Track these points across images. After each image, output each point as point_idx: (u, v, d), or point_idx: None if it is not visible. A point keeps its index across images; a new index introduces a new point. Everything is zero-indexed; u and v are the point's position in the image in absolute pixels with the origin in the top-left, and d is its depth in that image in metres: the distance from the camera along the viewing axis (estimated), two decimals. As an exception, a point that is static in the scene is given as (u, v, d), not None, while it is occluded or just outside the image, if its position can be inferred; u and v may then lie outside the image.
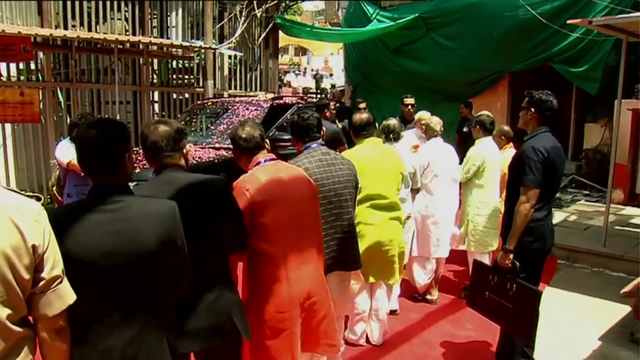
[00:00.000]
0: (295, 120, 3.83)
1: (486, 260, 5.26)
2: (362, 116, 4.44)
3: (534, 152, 3.66)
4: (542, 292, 3.74)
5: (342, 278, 3.80)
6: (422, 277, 5.52)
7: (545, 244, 3.88)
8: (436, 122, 5.50)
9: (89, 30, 10.01)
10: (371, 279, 4.36)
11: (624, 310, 5.19)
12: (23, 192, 1.86)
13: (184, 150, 2.64)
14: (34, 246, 1.75)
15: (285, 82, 24.24)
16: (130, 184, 2.20)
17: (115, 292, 2.00)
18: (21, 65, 9.17)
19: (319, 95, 19.99)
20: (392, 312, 5.12)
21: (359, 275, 4.15)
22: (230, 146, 3.33)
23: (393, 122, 5.34)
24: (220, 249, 2.66)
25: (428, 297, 5.59)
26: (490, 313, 4.01)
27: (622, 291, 4.91)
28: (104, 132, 2.06)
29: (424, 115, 6.19)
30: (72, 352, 1.98)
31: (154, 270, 2.08)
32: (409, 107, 7.67)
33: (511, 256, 3.73)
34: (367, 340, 4.67)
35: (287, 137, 6.33)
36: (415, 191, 5.41)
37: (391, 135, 5.22)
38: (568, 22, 7.79)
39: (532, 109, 3.84)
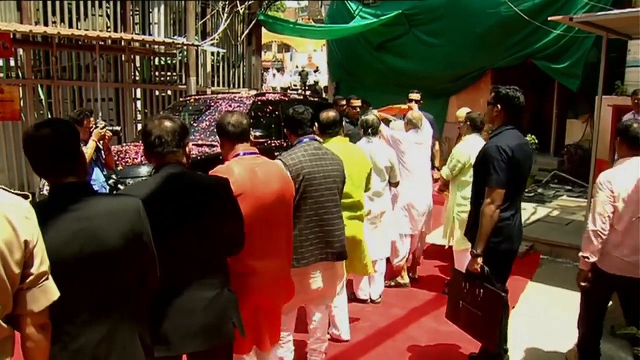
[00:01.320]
0: (290, 114, 3.90)
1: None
2: (329, 114, 4.44)
3: (498, 151, 3.56)
4: (506, 296, 3.69)
5: (329, 267, 3.90)
6: (394, 259, 5.82)
7: (513, 244, 3.78)
8: (417, 117, 5.86)
9: (70, 26, 9.90)
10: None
11: (605, 304, 5.24)
12: (12, 191, 1.84)
13: (187, 148, 2.64)
14: (25, 242, 1.76)
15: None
16: (128, 180, 2.19)
17: (83, 291, 1.98)
18: (0, 62, 9.04)
19: (308, 92, 19.94)
20: (373, 301, 5.47)
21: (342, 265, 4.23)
22: (213, 143, 3.35)
23: (371, 117, 5.46)
24: (219, 248, 2.65)
25: (400, 280, 5.87)
26: (463, 323, 3.95)
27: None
28: (57, 129, 2.05)
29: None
30: None
31: (121, 267, 2.07)
32: (413, 102, 7.47)
33: (480, 260, 3.66)
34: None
35: (258, 133, 6.56)
36: (394, 184, 5.51)
37: (369, 130, 5.33)
38: (549, 19, 7.85)
39: (498, 105, 3.74)
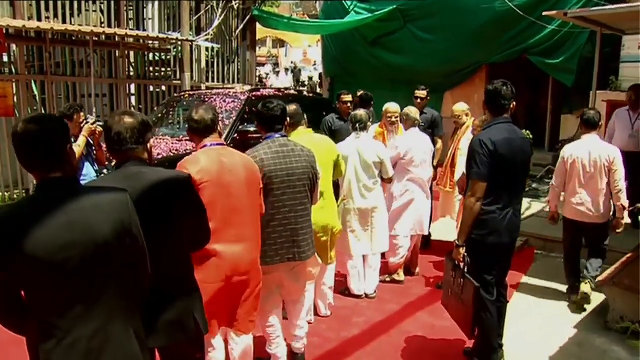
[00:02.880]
0: (260, 109, 3.92)
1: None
2: (290, 107, 4.44)
3: (480, 145, 3.62)
4: (479, 287, 3.71)
5: (292, 266, 3.93)
6: (392, 255, 5.84)
7: (502, 237, 3.77)
8: (415, 112, 5.87)
9: (64, 22, 9.84)
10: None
11: (599, 298, 5.27)
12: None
13: (148, 145, 2.58)
14: None
15: (263, 77, 23.86)
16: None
17: (75, 284, 1.97)
18: (-7, 58, 9.00)
19: (302, 88, 19.92)
20: (368, 296, 5.54)
21: (316, 258, 4.28)
22: None
23: (361, 112, 5.51)
24: (182, 244, 2.64)
25: (396, 277, 5.91)
26: (450, 310, 4.07)
27: (597, 280, 5.01)
28: (44, 125, 2.03)
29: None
30: (38, 348, 1.97)
31: (112, 260, 2.05)
32: (418, 100, 7.22)
33: (462, 250, 3.72)
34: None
35: (252, 129, 6.52)
36: (387, 180, 5.53)
37: (357, 125, 5.37)
38: (544, 14, 7.86)
39: (484, 102, 3.86)
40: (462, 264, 3.79)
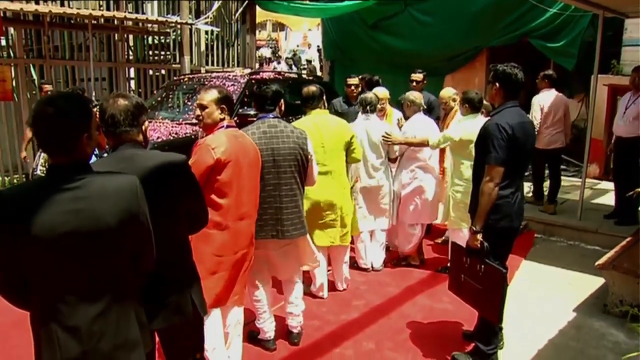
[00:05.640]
0: (254, 90, 4.02)
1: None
2: (310, 89, 4.88)
3: (497, 129, 3.58)
4: (506, 272, 3.73)
5: (281, 244, 4.08)
6: (405, 244, 5.91)
7: (513, 222, 3.79)
8: (420, 98, 5.88)
9: (62, 5, 9.79)
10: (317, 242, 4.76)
11: (598, 282, 5.30)
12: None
13: (143, 127, 2.57)
14: None
15: (263, 58, 23.69)
16: None
17: (78, 270, 1.98)
18: (-9, 42, 8.96)
19: (304, 71, 19.86)
20: (374, 269, 5.81)
21: (313, 254, 4.39)
22: None
23: (370, 95, 5.75)
24: (179, 227, 2.64)
25: (411, 261, 5.99)
26: (466, 296, 4.03)
27: (597, 263, 5.02)
28: (61, 109, 1.98)
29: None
30: (39, 332, 1.98)
31: (117, 246, 2.05)
32: (414, 83, 7.34)
33: (479, 236, 3.69)
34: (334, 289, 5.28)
35: (252, 112, 6.59)
36: (392, 160, 5.78)
37: (368, 107, 5.60)
38: (545, -4, 7.78)
39: (497, 84, 3.76)
40: (480, 250, 3.74)
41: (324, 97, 4.92)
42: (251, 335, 4.23)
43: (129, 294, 2.14)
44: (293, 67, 23.26)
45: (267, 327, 4.14)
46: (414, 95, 5.88)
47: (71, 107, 2.00)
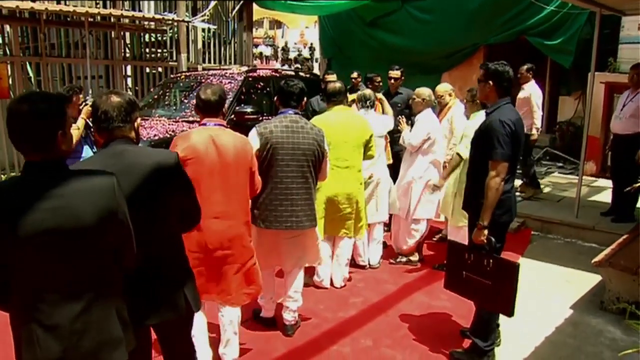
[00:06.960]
0: (281, 85, 4.24)
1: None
2: (335, 85, 5.08)
3: (502, 125, 3.62)
4: (519, 265, 3.75)
5: (292, 234, 4.20)
6: (405, 240, 5.91)
7: (511, 216, 3.92)
8: (429, 94, 5.81)
9: (58, 2, 9.74)
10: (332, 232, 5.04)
11: (595, 279, 5.30)
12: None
13: (135, 124, 2.57)
14: None
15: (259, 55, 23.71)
16: None
17: (58, 268, 1.97)
18: (-13, 39, 8.92)
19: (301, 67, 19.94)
20: (371, 266, 5.84)
21: (318, 253, 4.49)
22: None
23: (368, 91, 5.95)
24: (171, 223, 2.63)
25: (412, 258, 5.98)
26: (469, 292, 4.02)
27: (593, 261, 5.02)
28: (34, 107, 1.97)
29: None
30: (19, 332, 1.97)
31: (96, 244, 2.04)
32: (392, 80, 7.43)
33: (486, 232, 3.70)
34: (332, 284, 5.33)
35: (249, 110, 6.81)
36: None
37: (367, 103, 5.74)
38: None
39: (490, 82, 3.81)
40: (487, 245, 3.76)
41: (347, 94, 5.16)
42: (255, 313, 4.50)
43: (111, 291, 2.14)
44: (294, 65, 23.37)
45: (268, 306, 4.39)
46: (423, 92, 5.76)
47: (45, 106, 2.00)
